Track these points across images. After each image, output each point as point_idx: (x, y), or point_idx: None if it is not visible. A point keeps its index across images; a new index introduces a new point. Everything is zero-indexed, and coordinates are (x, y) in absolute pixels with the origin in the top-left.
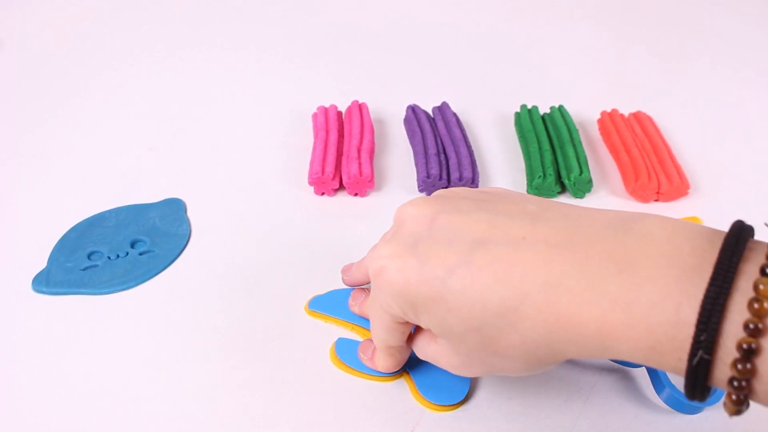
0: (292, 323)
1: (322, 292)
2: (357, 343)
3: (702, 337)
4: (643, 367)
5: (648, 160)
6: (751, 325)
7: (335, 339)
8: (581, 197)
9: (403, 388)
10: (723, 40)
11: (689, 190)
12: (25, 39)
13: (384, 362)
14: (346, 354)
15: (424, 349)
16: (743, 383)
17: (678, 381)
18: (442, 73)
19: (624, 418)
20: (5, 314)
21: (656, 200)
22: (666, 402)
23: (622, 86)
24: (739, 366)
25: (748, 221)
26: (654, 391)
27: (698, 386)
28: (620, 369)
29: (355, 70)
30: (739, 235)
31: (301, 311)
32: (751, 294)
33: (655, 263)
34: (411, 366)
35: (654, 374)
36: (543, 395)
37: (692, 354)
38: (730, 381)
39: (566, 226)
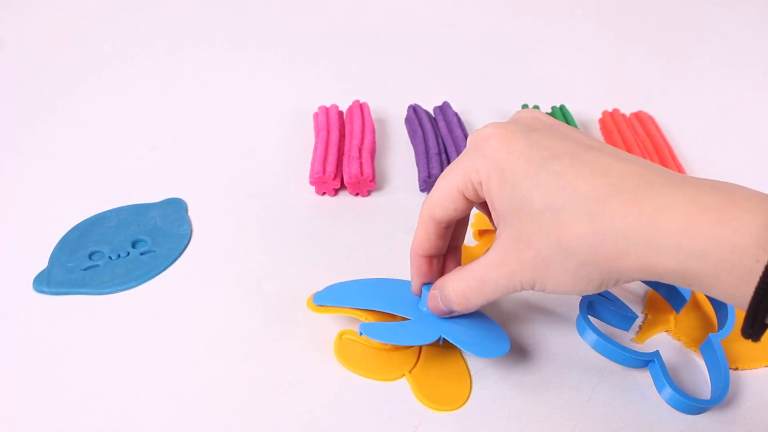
0: (293, 323)
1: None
2: (383, 324)
3: None
4: (646, 368)
5: (649, 159)
6: None
7: (335, 337)
8: None
9: (405, 388)
10: (724, 40)
11: None
12: (25, 39)
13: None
14: (375, 332)
15: (460, 273)
16: None
17: (680, 381)
18: (444, 73)
19: (626, 418)
20: (6, 314)
21: None
22: (668, 402)
23: (623, 86)
24: None
25: None
26: (656, 392)
27: (763, 305)
28: (622, 369)
29: (356, 70)
30: None
31: (302, 311)
32: None
33: (751, 193)
34: (447, 332)
35: (656, 374)
36: (545, 395)
37: None
38: None
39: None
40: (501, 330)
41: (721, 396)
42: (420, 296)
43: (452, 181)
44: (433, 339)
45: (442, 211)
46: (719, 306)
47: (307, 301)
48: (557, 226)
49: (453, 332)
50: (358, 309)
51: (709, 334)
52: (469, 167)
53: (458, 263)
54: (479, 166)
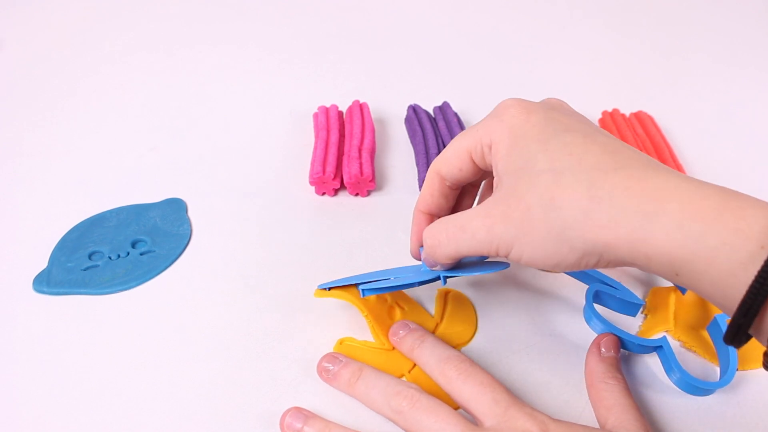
0: (293, 323)
1: None
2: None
3: None
4: (646, 368)
5: None
6: None
7: (335, 344)
8: None
9: None
10: (724, 40)
11: None
12: (25, 39)
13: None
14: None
15: (445, 219)
16: None
17: (690, 367)
18: (443, 73)
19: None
20: (6, 314)
21: None
22: (677, 384)
23: (623, 86)
24: None
25: None
26: (654, 391)
27: (763, 290)
28: (630, 354)
29: (356, 70)
30: None
31: (302, 311)
32: None
33: (752, 199)
34: (444, 274)
35: (665, 358)
36: (544, 395)
37: None
38: None
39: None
40: (500, 264)
41: (730, 377)
42: (417, 257)
43: (463, 141)
44: (431, 276)
45: (448, 168)
46: None
47: (314, 292)
48: (554, 186)
49: (451, 272)
50: (360, 301)
51: (716, 315)
52: (482, 131)
53: None
54: (494, 129)
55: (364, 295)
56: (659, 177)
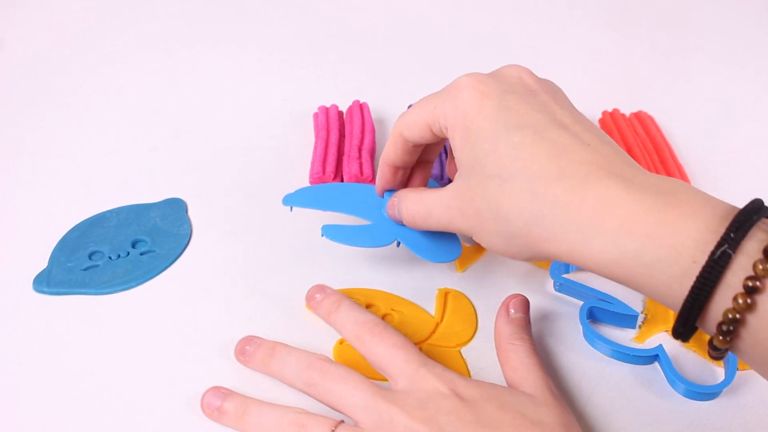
0: (293, 323)
1: None
2: (344, 226)
3: (732, 234)
4: (647, 368)
5: (649, 159)
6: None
7: (335, 343)
8: None
9: None
10: (724, 40)
11: None
12: (25, 39)
13: (380, 180)
14: (336, 234)
15: (418, 195)
16: (736, 315)
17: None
18: (443, 73)
19: (626, 418)
20: (6, 314)
21: None
22: (685, 395)
23: (623, 86)
24: (761, 266)
25: None
26: (656, 392)
27: (705, 290)
28: (622, 370)
29: (356, 70)
30: None
31: (302, 311)
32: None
33: (696, 196)
34: (403, 237)
35: (666, 368)
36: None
37: (715, 250)
38: (746, 282)
39: (624, 156)
40: (456, 240)
41: (731, 376)
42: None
43: (423, 114)
44: (389, 242)
45: (410, 134)
46: None
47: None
48: (500, 195)
49: (408, 237)
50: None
51: None
52: (439, 109)
53: (426, 178)
54: (449, 113)
55: (323, 234)
56: (599, 189)
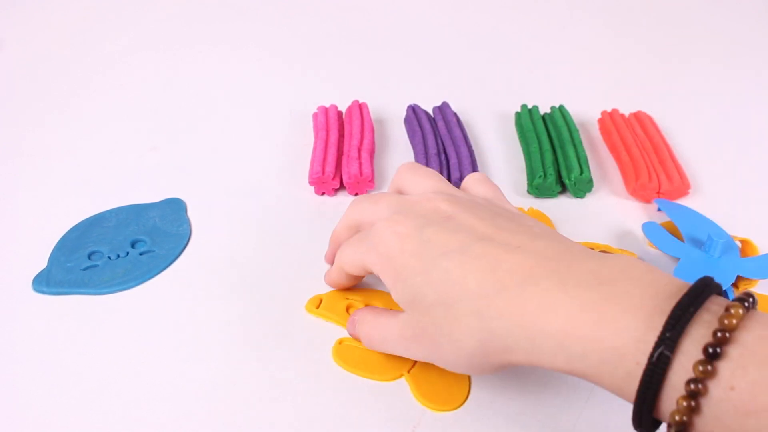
0: (292, 323)
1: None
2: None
3: (667, 335)
4: None
5: (648, 159)
6: (719, 334)
7: (334, 343)
8: (582, 197)
9: (403, 388)
10: (724, 40)
11: (690, 190)
12: (25, 39)
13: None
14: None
15: (374, 319)
16: (692, 402)
17: None
18: (443, 73)
19: (625, 418)
20: (5, 314)
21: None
22: None
23: (622, 86)
24: (701, 368)
25: (748, 221)
26: None
27: (650, 393)
28: None
29: (356, 70)
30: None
31: (302, 311)
32: (716, 325)
33: (636, 283)
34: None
35: None
36: (543, 395)
37: (653, 353)
38: (687, 385)
39: (560, 246)
40: None
41: None
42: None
43: (354, 259)
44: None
45: (349, 269)
46: None
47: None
48: (449, 320)
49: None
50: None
51: None
52: (366, 257)
53: None
54: (374, 261)
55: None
56: (537, 294)
